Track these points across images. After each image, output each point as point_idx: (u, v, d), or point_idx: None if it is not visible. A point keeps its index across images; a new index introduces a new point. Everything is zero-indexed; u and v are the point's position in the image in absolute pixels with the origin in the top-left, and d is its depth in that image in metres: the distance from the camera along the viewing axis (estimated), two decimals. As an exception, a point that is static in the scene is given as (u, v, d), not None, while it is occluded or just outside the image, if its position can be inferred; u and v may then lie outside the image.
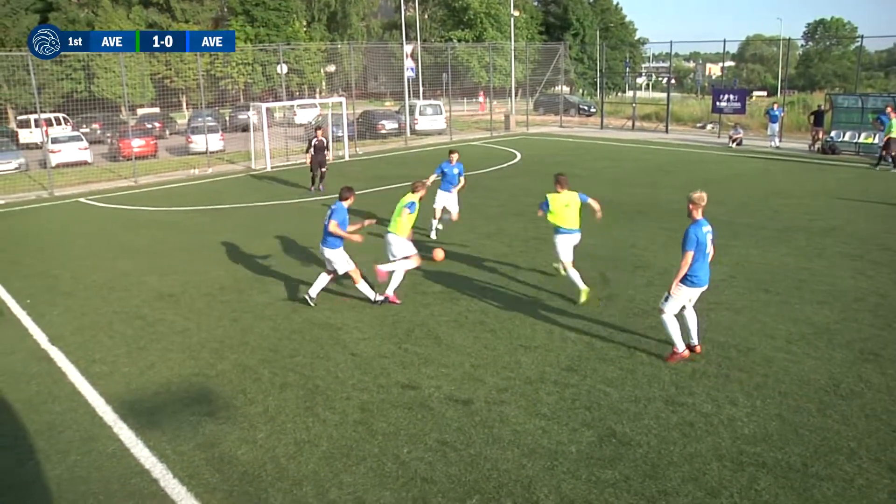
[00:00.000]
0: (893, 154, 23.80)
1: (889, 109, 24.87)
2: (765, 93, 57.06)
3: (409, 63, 40.66)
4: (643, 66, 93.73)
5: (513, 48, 50.10)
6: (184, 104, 61.46)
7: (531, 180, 21.75)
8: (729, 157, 27.45)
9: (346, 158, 29.13)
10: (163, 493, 6.20)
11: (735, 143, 30.73)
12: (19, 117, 43.78)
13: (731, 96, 34.22)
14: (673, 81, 48.55)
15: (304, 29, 71.95)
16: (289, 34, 65.47)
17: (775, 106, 32.33)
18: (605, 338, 9.29)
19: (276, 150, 29.33)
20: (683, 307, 8.52)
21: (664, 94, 48.02)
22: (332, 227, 10.36)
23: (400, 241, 10.85)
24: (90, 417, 7.66)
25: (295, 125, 39.53)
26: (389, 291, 10.84)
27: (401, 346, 9.20)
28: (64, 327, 10.46)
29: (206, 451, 6.81)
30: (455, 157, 14.80)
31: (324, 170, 21.69)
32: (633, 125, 38.57)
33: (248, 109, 36.13)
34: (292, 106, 41.81)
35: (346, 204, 10.65)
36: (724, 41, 37.53)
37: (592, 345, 9.07)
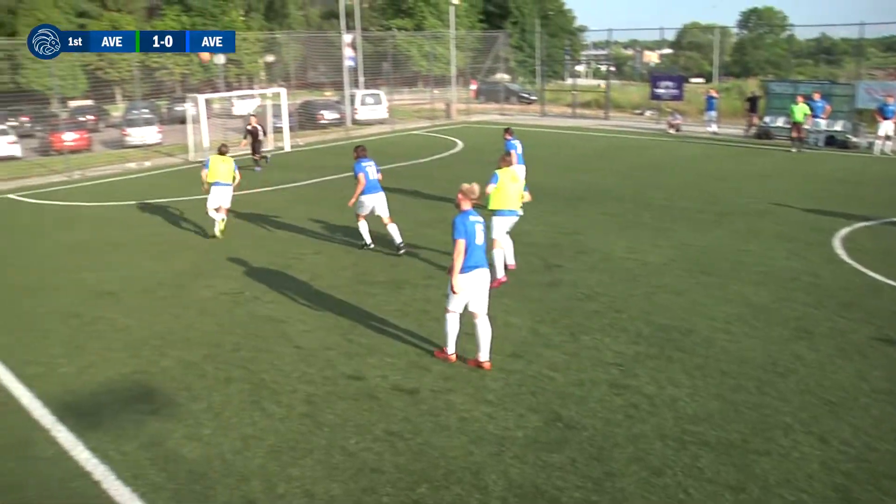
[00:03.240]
0: (802, 136, 24.74)
1: (817, 96, 25.76)
2: (702, 79, 58.15)
3: (349, 52, 40.28)
4: (583, 53, 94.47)
5: (453, 37, 50.04)
6: (118, 96, 59.86)
7: (472, 168, 21.79)
8: (668, 142, 27.97)
9: (287, 149, 28.78)
10: (106, 495, 6.05)
11: (674, 129, 31.31)
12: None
13: (669, 83, 34.84)
14: (612, 69, 49.12)
15: (242, 18, 70.75)
16: (226, 24, 64.25)
17: (712, 92, 33.00)
18: (549, 323, 9.40)
19: (215, 141, 28.77)
20: (475, 317, 8.12)
21: (603, 82, 48.59)
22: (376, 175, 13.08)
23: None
24: (25, 421, 7.42)
25: (234, 116, 38.87)
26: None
27: (346, 337, 9.15)
28: (-6, 329, 10.11)
29: (151, 451, 6.68)
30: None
31: (257, 157, 22.31)
32: (574, 112, 38.95)
33: (186, 101, 35.41)
34: (230, 97, 41.10)
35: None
36: (662, 28, 37.90)
37: (536, 330, 9.17)
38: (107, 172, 25.41)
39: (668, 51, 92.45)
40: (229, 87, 52.89)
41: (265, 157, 23.22)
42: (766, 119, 29.32)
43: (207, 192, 14.59)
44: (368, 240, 13.25)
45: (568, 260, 12.17)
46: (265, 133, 23.39)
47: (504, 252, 11.01)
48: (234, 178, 14.77)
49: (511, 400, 7.37)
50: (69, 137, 29.12)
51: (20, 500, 6.08)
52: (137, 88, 31.60)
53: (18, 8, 56.73)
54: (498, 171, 10.76)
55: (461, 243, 7.88)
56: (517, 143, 15.46)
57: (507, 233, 11.06)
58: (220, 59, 33.62)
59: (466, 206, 8.16)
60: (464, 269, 7.92)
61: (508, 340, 8.87)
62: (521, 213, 11.06)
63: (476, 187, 8.23)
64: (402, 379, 7.92)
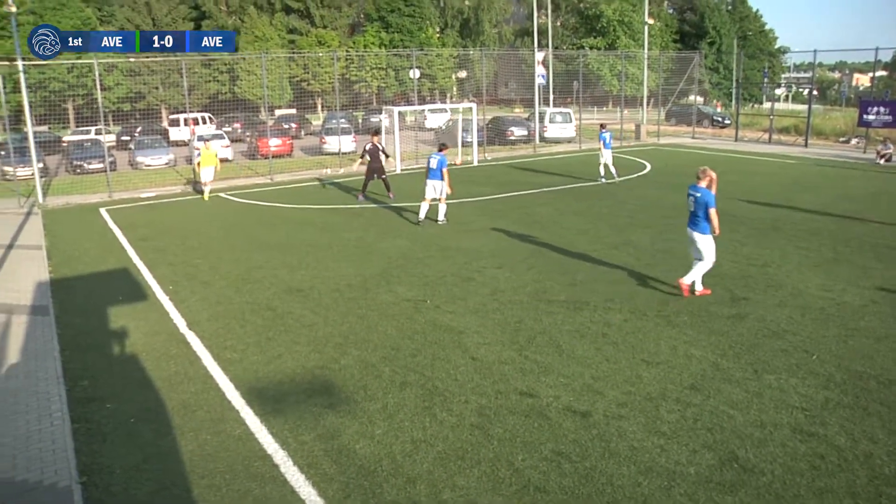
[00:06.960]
0: None
1: None
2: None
3: (540, 70, 40.52)
4: (783, 76, 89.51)
5: (646, 57, 49.03)
6: (319, 106, 63.69)
7: (660, 191, 21.24)
8: (875, 174, 25.86)
9: (475, 164, 29.38)
10: (282, 479, 6.45)
11: (883, 160, 28.93)
12: (170, 116, 46.71)
13: (882, 109, 32.17)
14: (815, 93, 46.13)
15: (437, 35, 73.16)
16: (422, 40, 66.73)
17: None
18: (731, 358, 8.96)
19: (406, 153, 29.94)
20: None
21: (804, 107, 45.75)
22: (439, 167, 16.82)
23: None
24: (220, 400, 8.08)
25: (426, 129, 40.16)
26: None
27: (521, 353, 9.20)
28: (200, 314, 11.09)
29: (326, 443, 7.04)
30: None
31: (384, 177, 20.85)
32: (770, 138, 36.96)
33: (381, 112, 37.04)
34: (423, 110, 42.51)
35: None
36: (877, 49, 35.14)
37: (718, 364, 8.77)
38: (305, 177, 27.08)
39: (882, 73, 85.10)
40: (422, 101, 54.81)
41: (388, 185, 21.05)
42: None
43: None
44: (422, 216, 17.31)
45: (756, 293, 11.55)
46: (385, 152, 21.11)
47: None
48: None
49: (685, 434, 7.09)
50: (273, 143, 31.32)
51: (212, 471, 6.62)
52: (337, 99, 33.39)
53: (241, 27, 62.04)
54: None
55: None
56: (606, 134, 22.47)
57: None
58: (415, 73, 34.90)
59: (700, 182, 11.01)
60: None
61: (688, 372, 8.55)
62: None
63: (707, 168, 11.24)
64: (574, 400, 7.84)
